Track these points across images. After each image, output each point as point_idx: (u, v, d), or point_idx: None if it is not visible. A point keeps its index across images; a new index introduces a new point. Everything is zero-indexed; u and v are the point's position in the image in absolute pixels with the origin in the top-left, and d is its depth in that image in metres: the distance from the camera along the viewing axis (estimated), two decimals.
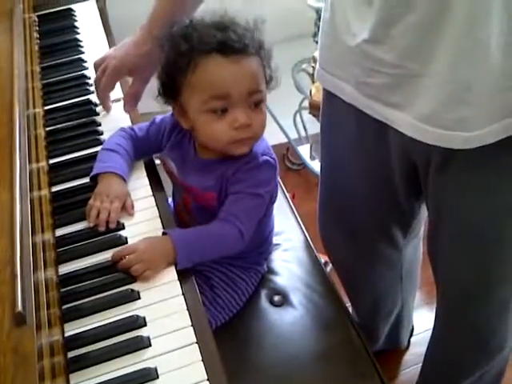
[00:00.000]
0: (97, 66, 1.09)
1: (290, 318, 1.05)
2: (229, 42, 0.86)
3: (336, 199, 1.16)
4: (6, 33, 1.13)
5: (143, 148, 1.02)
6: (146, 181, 0.99)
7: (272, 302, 1.07)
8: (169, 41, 0.90)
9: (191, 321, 0.76)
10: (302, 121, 2.05)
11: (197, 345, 0.73)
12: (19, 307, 0.63)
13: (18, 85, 0.97)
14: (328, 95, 1.03)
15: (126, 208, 0.92)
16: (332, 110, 1.05)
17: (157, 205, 0.94)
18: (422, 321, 1.57)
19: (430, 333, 1.23)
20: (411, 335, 1.58)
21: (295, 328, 1.05)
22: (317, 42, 1.82)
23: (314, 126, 2.00)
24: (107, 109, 1.11)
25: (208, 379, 0.70)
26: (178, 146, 0.99)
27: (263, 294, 1.09)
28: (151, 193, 0.96)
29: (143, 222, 0.91)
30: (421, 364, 1.32)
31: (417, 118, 0.84)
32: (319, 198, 1.22)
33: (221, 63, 0.86)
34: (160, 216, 0.92)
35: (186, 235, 0.90)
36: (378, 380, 0.99)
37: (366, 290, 1.33)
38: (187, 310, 0.77)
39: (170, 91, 0.92)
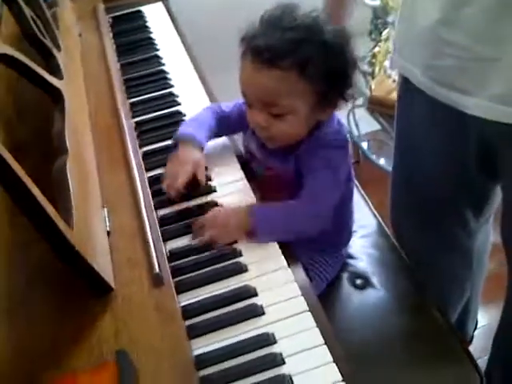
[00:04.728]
0: None
1: (372, 300, 1.08)
2: (258, 49, 0.84)
3: (409, 182, 1.18)
4: (92, 30, 1.19)
5: (224, 125, 1.04)
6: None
7: (355, 285, 1.10)
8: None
9: (300, 290, 0.79)
10: (355, 119, 2.08)
11: (309, 312, 0.76)
12: (156, 269, 0.66)
13: (115, 75, 1.03)
14: (403, 80, 1.06)
15: (197, 174, 0.92)
16: (407, 94, 1.08)
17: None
18: (484, 314, 1.57)
19: (491, 326, 1.23)
20: (475, 328, 1.57)
21: (378, 308, 1.07)
22: (372, 39, 1.87)
23: (367, 125, 2.04)
24: None
25: (325, 343, 0.72)
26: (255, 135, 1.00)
27: (345, 277, 1.12)
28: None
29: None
30: (481, 359, 1.32)
31: (489, 99, 0.83)
32: (391, 183, 1.24)
33: (246, 64, 0.87)
34: None
35: (266, 212, 0.90)
36: (467, 360, 1.00)
37: (436, 277, 1.34)
38: (295, 281, 0.80)
39: None
